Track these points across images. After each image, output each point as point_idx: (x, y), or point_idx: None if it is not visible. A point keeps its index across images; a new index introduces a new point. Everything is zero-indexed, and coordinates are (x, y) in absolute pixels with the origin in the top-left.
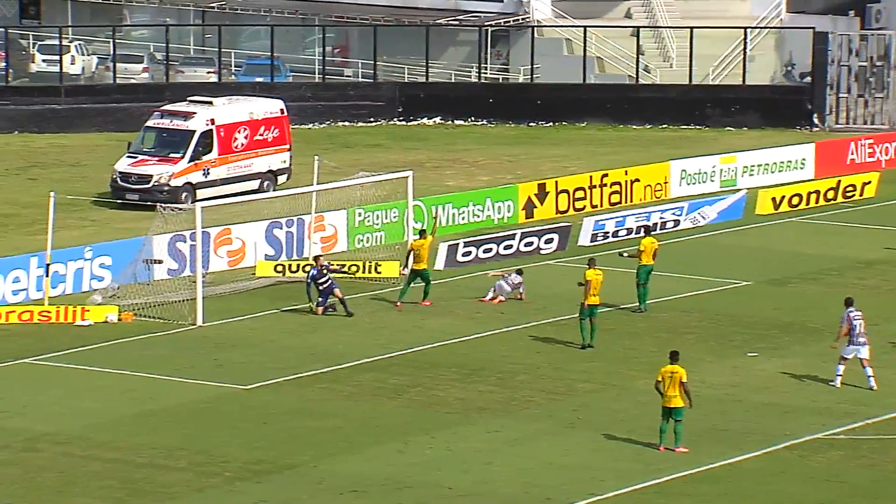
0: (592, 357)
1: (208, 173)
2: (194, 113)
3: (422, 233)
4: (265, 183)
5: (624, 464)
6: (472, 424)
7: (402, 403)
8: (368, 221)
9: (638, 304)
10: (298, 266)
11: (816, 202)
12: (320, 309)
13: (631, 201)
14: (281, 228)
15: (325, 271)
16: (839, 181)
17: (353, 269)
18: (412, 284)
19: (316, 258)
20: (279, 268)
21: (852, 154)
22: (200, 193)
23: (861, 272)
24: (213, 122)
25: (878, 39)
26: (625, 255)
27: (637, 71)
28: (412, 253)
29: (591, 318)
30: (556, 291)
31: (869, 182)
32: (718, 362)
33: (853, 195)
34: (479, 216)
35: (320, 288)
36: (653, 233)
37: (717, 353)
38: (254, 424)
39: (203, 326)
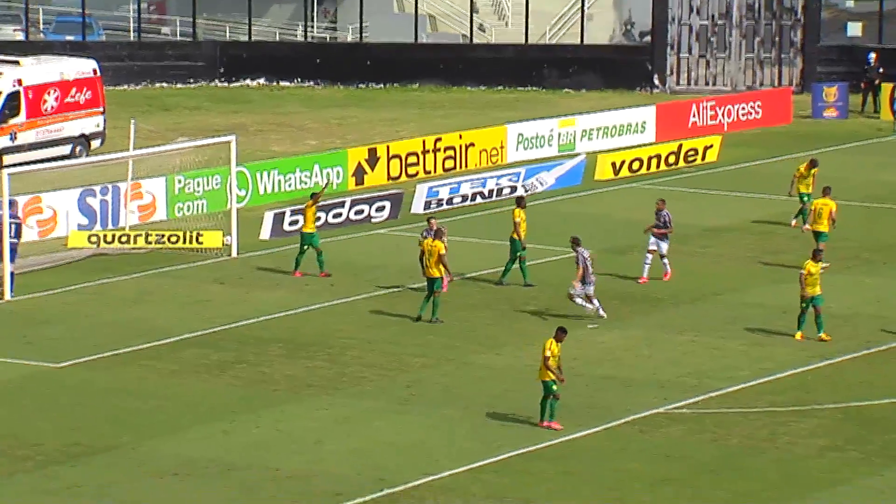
0: (427, 331)
1: (15, 138)
2: (0, 73)
3: (313, 195)
4: (77, 148)
5: (460, 442)
6: (300, 402)
7: (227, 381)
8: (189, 189)
9: (523, 279)
10: (114, 236)
11: (658, 167)
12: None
13: (466, 167)
14: (95, 196)
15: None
16: (681, 145)
17: (174, 239)
18: (304, 252)
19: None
20: (93, 238)
21: (694, 117)
22: (7, 159)
23: (705, 240)
24: (20, 82)
25: None
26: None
27: (471, 30)
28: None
29: (434, 291)
30: (388, 262)
31: (711, 146)
32: None
33: (695, 159)
34: (306, 183)
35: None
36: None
37: (556, 325)
38: (68, 405)
39: (11, 301)
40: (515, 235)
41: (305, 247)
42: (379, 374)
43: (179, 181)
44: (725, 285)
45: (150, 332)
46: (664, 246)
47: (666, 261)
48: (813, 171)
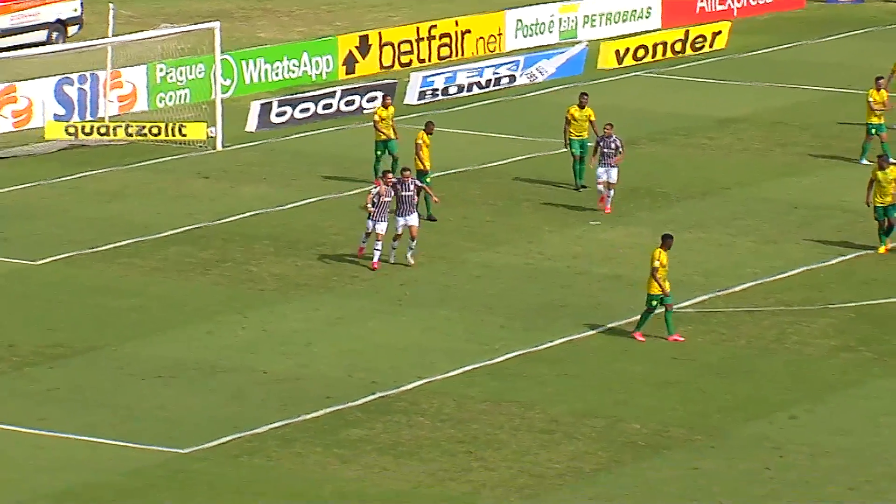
0: (422, 226)
1: None
2: None
3: (384, 98)
4: (54, 34)
5: (456, 344)
6: (289, 302)
7: (212, 279)
8: (171, 78)
9: (575, 181)
10: (93, 127)
11: (663, 55)
12: None
13: (462, 55)
14: (72, 86)
15: None
16: (688, 32)
17: (156, 130)
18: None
19: None
20: (71, 129)
21: (702, 2)
22: None
23: (712, 131)
24: None
25: None
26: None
27: None
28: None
29: (426, 187)
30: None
31: (719, 32)
32: (559, 232)
33: (703, 47)
34: (294, 72)
35: None
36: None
37: (557, 222)
38: (46, 304)
39: None
40: (573, 135)
41: (380, 153)
42: (372, 273)
43: (161, 70)
44: (734, 179)
45: (132, 229)
46: (613, 174)
47: (612, 192)
48: None
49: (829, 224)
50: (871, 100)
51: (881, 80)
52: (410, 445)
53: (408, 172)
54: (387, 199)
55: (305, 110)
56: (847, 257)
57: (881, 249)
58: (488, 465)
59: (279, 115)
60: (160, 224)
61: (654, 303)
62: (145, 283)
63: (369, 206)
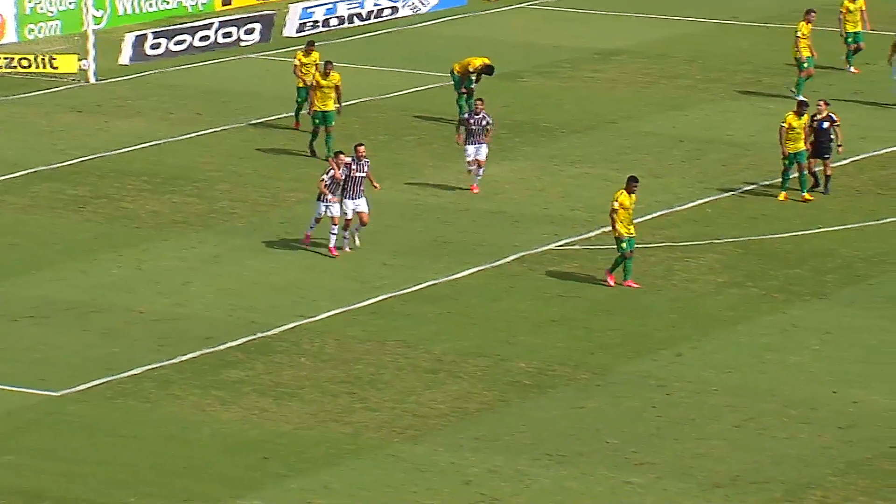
0: (302, 163)
1: None
2: None
3: (310, 44)
4: None
5: (338, 282)
6: (165, 240)
7: (86, 217)
8: (41, 9)
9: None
10: None
11: None
12: None
13: None
14: None
15: None
16: None
17: (25, 63)
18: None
19: None
20: None
21: None
22: None
23: (597, 64)
24: None
25: None
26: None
27: None
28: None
29: (326, 126)
30: (259, 89)
31: None
32: (442, 167)
33: None
34: (169, 3)
35: None
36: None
37: (440, 157)
38: None
39: None
40: (457, 69)
41: (301, 99)
42: (251, 210)
43: (31, 0)
44: (619, 113)
45: (0, 165)
46: (483, 151)
47: (482, 171)
48: (860, 4)
49: (714, 158)
50: (799, 34)
51: (812, 14)
52: (291, 386)
53: (363, 148)
54: (340, 180)
55: (181, 42)
56: (733, 192)
57: (781, 196)
58: (371, 405)
59: (154, 47)
60: (30, 160)
61: (623, 245)
62: (16, 221)
63: (326, 193)
